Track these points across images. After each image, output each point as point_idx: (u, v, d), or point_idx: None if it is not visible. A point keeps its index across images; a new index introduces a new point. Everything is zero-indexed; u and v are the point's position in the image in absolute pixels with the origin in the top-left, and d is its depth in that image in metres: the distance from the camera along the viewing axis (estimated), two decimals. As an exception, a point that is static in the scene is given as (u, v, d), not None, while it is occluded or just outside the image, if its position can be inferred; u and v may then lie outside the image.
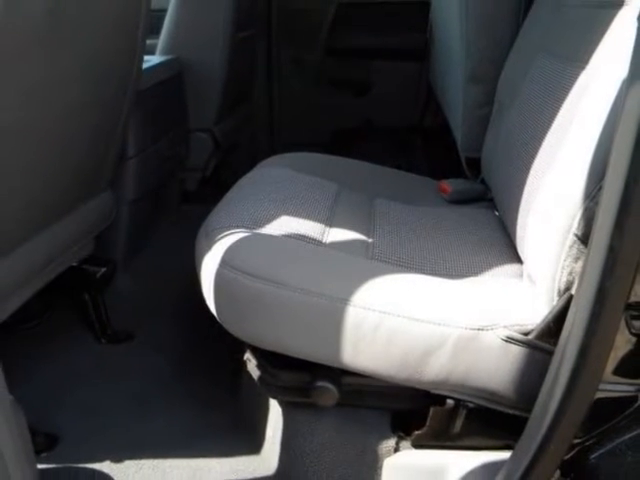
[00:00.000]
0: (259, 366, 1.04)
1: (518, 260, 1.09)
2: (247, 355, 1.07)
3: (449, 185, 1.43)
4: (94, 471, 1.08)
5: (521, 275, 1.05)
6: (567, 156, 0.90)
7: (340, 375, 0.97)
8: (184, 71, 1.88)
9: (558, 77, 1.06)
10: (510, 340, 0.87)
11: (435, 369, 0.90)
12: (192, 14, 1.89)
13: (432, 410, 0.95)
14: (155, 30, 1.84)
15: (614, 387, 0.81)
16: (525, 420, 0.82)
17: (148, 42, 1.37)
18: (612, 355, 0.75)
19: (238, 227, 1.04)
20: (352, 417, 1.04)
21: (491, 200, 1.37)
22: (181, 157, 1.92)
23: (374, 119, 2.52)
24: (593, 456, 0.82)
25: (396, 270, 1.00)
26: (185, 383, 1.33)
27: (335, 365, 0.94)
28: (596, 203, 0.75)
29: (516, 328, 0.88)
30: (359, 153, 1.68)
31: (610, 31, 0.93)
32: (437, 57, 2.05)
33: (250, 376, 1.08)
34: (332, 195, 1.25)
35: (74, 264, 1.41)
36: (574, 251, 0.83)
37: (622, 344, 0.77)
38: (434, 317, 0.89)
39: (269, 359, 1.02)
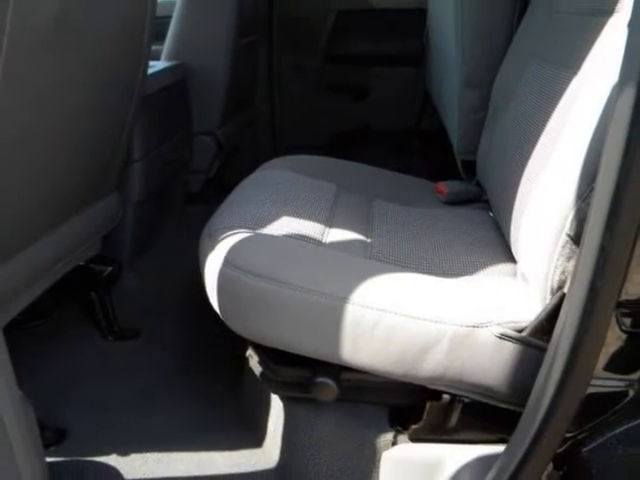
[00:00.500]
0: (261, 362, 1.04)
1: (512, 259, 1.09)
2: (249, 352, 1.07)
3: (445, 187, 1.43)
4: (101, 464, 1.08)
5: (515, 274, 1.05)
6: (560, 158, 0.90)
7: (339, 371, 0.97)
8: (188, 76, 1.88)
9: (551, 82, 1.06)
10: (504, 337, 0.88)
11: (432, 365, 0.90)
12: (196, 21, 1.89)
13: (429, 405, 0.96)
14: (160, 36, 1.84)
15: (605, 382, 0.81)
16: (519, 414, 0.82)
17: (153, 48, 1.37)
18: (603, 351, 0.75)
19: (240, 227, 1.04)
20: (351, 412, 1.04)
21: (486, 201, 1.37)
22: (185, 160, 1.92)
23: (372, 123, 2.52)
24: (585, 449, 0.82)
25: (394, 269, 1.00)
26: (189, 379, 1.33)
27: (335, 361, 0.94)
28: (588, 204, 0.75)
29: (510, 325, 0.88)
30: (358, 156, 1.68)
31: (601, 38, 0.93)
32: (433, 63, 2.05)
33: (252, 372, 1.08)
34: (332, 196, 1.25)
35: (81, 263, 1.41)
36: (566, 251, 0.83)
37: (613, 341, 0.77)
38: (431, 315, 0.89)
39: (271, 356, 1.02)
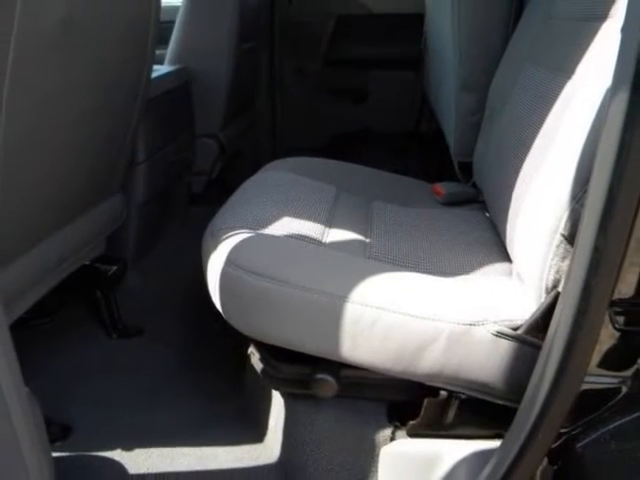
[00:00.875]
0: (262, 359, 1.04)
1: (508, 259, 1.09)
2: (251, 349, 1.07)
3: (442, 188, 1.43)
4: (105, 459, 1.08)
5: (510, 273, 1.05)
6: (554, 160, 0.90)
7: (339, 368, 0.97)
8: (191, 80, 1.88)
9: (546, 86, 1.06)
10: (500, 335, 0.88)
11: (429, 362, 0.90)
12: (199, 26, 1.90)
13: (426, 401, 0.96)
14: (164, 41, 1.84)
15: (599, 379, 0.81)
16: (515, 410, 0.82)
17: (157, 52, 1.37)
18: (597, 349, 0.75)
19: (242, 228, 1.04)
20: (350, 408, 1.04)
21: (482, 202, 1.37)
22: (188, 161, 1.92)
23: (372, 125, 2.52)
24: (579, 445, 0.82)
25: (392, 269, 1.00)
26: (192, 376, 1.33)
27: (334, 358, 0.94)
28: (582, 205, 0.75)
29: (506, 323, 0.88)
30: (357, 158, 1.68)
31: (595, 43, 0.93)
32: (431, 67, 2.06)
33: (253, 369, 1.08)
34: (332, 197, 1.25)
35: (87, 263, 1.41)
36: (561, 251, 0.83)
37: (606, 339, 0.77)
38: (428, 313, 0.89)
39: (272, 353, 1.02)
